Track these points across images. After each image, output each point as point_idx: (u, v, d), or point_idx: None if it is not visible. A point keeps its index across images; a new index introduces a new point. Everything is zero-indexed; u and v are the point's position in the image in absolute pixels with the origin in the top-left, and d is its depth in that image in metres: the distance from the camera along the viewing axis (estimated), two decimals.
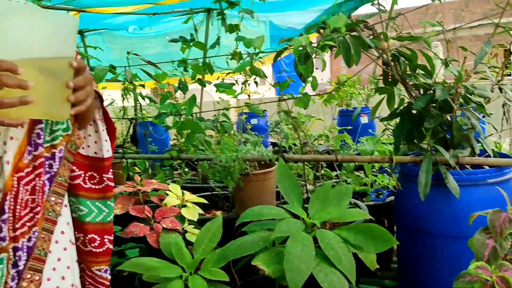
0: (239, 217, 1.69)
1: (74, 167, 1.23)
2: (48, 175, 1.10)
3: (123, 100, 2.63)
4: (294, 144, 2.69)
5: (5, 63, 0.78)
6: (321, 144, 3.31)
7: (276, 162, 1.96)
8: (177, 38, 2.64)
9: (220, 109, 2.42)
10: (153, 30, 5.18)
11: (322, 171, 2.76)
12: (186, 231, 1.83)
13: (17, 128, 1.00)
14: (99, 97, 1.22)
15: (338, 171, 2.77)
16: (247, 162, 2.18)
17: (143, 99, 2.52)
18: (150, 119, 3.39)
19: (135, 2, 3.90)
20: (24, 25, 0.80)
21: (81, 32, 4.92)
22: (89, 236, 1.25)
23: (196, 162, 2.57)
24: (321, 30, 2.99)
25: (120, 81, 2.41)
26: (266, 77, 2.77)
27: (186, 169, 3.23)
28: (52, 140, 1.11)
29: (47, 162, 1.09)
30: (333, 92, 3.96)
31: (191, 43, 2.24)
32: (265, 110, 3.45)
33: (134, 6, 4.13)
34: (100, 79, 2.40)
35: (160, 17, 4.90)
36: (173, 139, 5.98)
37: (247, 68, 2.59)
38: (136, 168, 3.23)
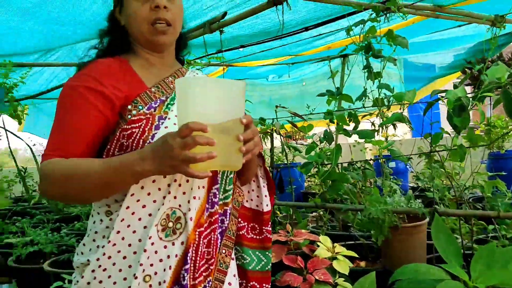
0: (388, 271, 1.66)
1: (239, 219, 1.36)
2: (220, 230, 1.22)
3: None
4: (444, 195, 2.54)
5: (198, 125, 0.92)
6: (466, 187, 3.05)
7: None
8: (324, 92, 2.71)
9: (362, 160, 2.42)
10: (290, 77, 5.44)
11: (474, 228, 2.54)
12: (337, 284, 1.85)
13: (199, 188, 1.16)
14: (261, 158, 1.36)
15: (496, 225, 2.54)
16: (396, 214, 2.14)
17: (289, 148, 2.65)
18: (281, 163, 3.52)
19: (277, 55, 4.17)
20: (206, 94, 0.96)
21: None
22: (250, 283, 1.35)
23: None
24: (467, 70, 2.85)
25: (267, 132, 2.58)
26: (410, 123, 2.72)
27: (326, 215, 3.25)
28: (225, 199, 1.24)
29: (220, 218, 1.22)
30: (482, 134, 3.68)
31: (337, 96, 2.31)
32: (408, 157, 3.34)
33: (276, 59, 4.42)
34: None
35: (297, 65, 5.14)
36: (308, 180, 6.08)
37: (385, 109, 2.57)
38: (278, 212, 3.36)
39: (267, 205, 1.38)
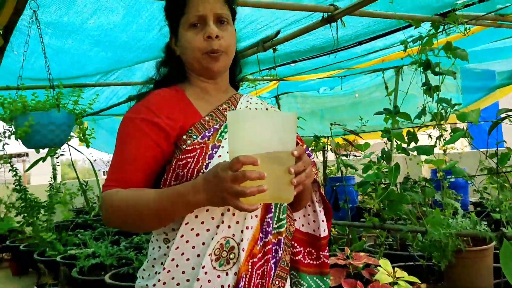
0: None
1: (295, 244, 1.34)
2: (274, 260, 1.20)
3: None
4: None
5: (249, 158, 0.92)
6: None
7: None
8: (377, 102, 2.68)
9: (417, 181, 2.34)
10: (342, 89, 5.38)
11: None
12: None
13: (252, 217, 1.15)
14: (316, 183, 1.33)
15: None
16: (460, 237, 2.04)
17: (344, 166, 2.61)
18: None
19: (330, 69, 4.14)
20: (256, 127, 0.95)
21: (276, 97, 5.41)
22: None
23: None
24: None
25: (319, 149, 2.56)
26: (472, 139, 2.60)
27: (383, 234, 3.16)
28: (279, 228, 1.22)
29: (274, 248, 1.20)
30: None
31: (396, 115, 2.26)
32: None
33: (328, 73, 4.39)
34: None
35: (349, 77, 5.08)
36: (361, 194, 5.95)
37: (445, 123, 2.47)
38: (333, 229, 3.31)
39: (324, 230, 1.35)
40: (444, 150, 3.53)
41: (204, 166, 1.10)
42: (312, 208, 1.36)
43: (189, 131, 1.16)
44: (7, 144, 2.50)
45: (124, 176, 1.12)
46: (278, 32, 2.92)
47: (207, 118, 1.20)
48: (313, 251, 1.36)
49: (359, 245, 2.55)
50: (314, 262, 1.35)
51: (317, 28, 2.73)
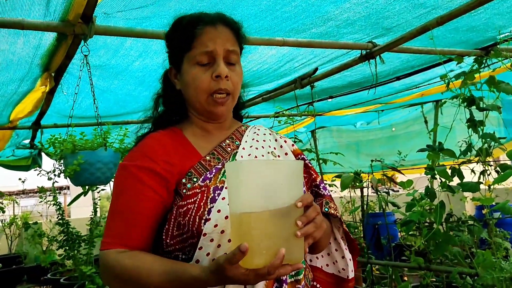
0: None
1: (317, 285, 1.24)
2: None
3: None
4: None
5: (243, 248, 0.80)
6: None
7: None
8: (424, 147, 2.59)
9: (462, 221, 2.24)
10: (380, 123, 5.33)
11: None
12: None
13: None
14: (337, 218, 1.22)
15: None
16: None
17: (386, 204, 2.55)
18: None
19: (368, 104, 4.12)
20: (261, 179, 0.86)
21: (313, 132, 5.41)
22: None
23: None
24: None
25: (360, 187, 2.51)
26: None
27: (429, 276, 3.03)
28: (296, 275, 1.10)
29: None
30: None
31: (440, 152, 2.21)
32: None
33: (365, 107, 4.37)
34: (345, 186, 2.55)
35: (386, 111, 5.03)
36: (400, 230, 5.76)
37: (490, 158, 2.38)
38: (374, 269, 3.21)
39: (351, 271, 1.25)
40: (489, 186, 3.40)
41: (206, 212, 1.01)
42: (335, 246, 1.26)
43: (189, 173, 1.07)
44: (57, 182, 2.59)
45: (125, 234, 1.03)
46: (316, 69, 2.95)
47: (207, 158, 1.12)
48: None
49: (404, 287, 2.45)
50: None
51: (355, 65, 2.75)
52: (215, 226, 1.00)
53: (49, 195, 4.64)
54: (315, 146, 5.48)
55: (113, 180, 2.50)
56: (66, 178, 2.30)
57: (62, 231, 4.34)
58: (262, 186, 0.86)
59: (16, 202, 7.80)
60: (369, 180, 2.47)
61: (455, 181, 2.39)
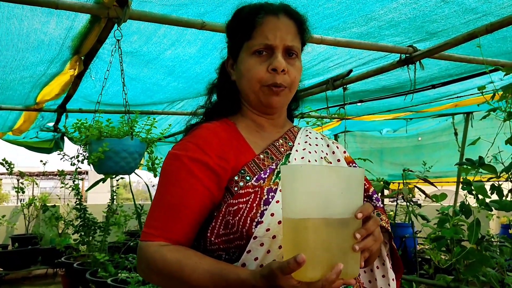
0: None
1: None
2: None
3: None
4: None
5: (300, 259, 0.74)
6: None
7: None
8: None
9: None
10: (407, 131, 5.20)
11: None
12: None
13: None
14: (387, 233, 1.13)
15: None
16: None
17: (415, 216, 2.44)
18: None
19: (397, 111, 4.00)
20: (318, 186, 0.80)
21: (336, 135, 5.31)
22: None
23: None
24: None
25: (391, 196, 2.41)
26: None
27: None
28: None
29: None
30: None
31: (480, 167, 2.09)
32: None
33: (394, 114, 4.25)
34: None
35: (415, 120, 4.90)
36: (420, 243, 5.62)
37: None
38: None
39: None
40: None
41: (259, 214, 0.96)
42: (380, 261, 1.15)
43: (242, 171, 1.02)
44: (79, 168, 2.55)
45: (169, 226, 0.98)
46: (350, 71, 2.85)
47: (261, 157, 1.06)
48: None
49: None
50: None
51: (393, 69, 2.65)
52: (267, 230, 0.93)
53: (69, 179, 4.65)
54: None
55: (137, 170, 2.45)
56: (90, 165, 2.25)
57: (79, 216, 4.34)
58: (321, 193, 0.80)
59: (36, 183, 7.89)
60: (400, 190, 2.36)
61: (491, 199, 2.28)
